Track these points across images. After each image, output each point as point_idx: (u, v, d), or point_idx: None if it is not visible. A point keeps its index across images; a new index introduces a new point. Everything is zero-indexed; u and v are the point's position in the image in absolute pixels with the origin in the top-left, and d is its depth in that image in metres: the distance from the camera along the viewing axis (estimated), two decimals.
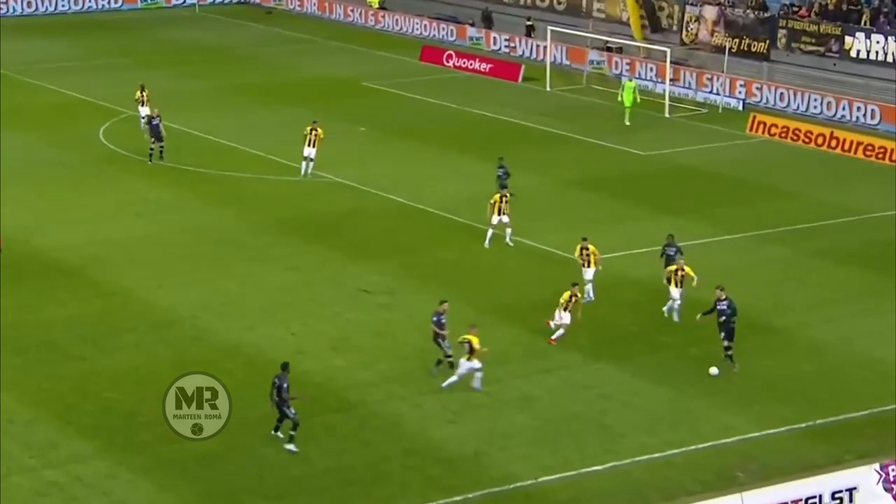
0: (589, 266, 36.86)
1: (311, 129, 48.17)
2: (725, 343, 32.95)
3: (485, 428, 30.03)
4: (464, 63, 70.62)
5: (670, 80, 62.11)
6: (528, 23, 74.57)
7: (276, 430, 29.13)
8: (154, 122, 50.12)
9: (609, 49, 69.49)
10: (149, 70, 68.44)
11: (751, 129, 57.55)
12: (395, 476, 28.01)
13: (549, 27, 68.29)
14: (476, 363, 31.44)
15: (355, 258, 40.86)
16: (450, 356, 32.11)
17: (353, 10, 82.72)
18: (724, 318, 32.91)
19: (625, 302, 37.39)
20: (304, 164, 48.46)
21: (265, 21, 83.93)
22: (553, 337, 34.15)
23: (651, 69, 65.63)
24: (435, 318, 32.39)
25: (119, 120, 57.41)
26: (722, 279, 37.10)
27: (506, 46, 73.96)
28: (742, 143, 56.27)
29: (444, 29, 77.54)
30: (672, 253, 37.30)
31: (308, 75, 68.77)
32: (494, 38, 74.76)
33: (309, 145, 48.15)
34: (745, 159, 53.50)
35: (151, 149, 50.30)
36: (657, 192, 48.40)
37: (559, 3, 76.39)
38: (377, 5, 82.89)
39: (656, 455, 28.81)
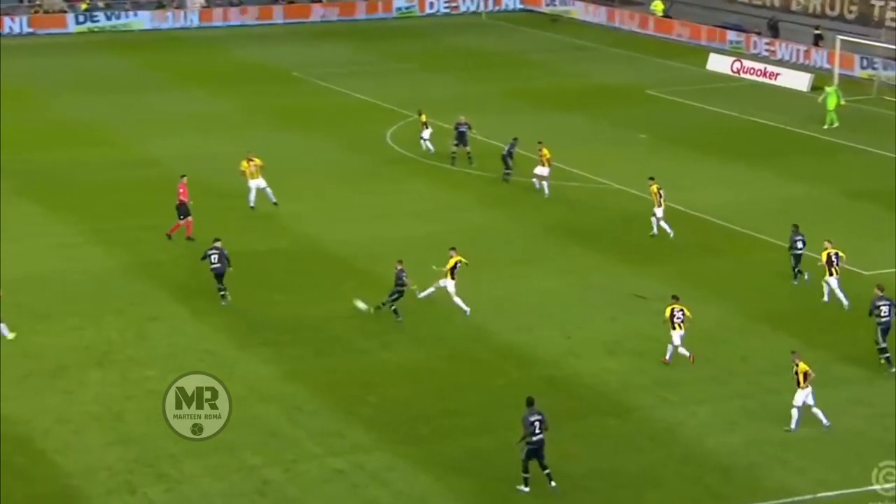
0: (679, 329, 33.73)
1: (539, 150, 47.63)
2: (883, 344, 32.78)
3: (760, 438, 29.62)
4: (750, 71, 69.61)
5: None
6: (817, 31, 72.93)
7: (550, 479, 27.63)
8: (461, 129, 51.41)
9: None
10: (432, 74, 69.97)
11: None
12: (668, 482, 27.90)
13: (838, 36, 66.59)
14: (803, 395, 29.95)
15: (630, 263, 40.80)
16: None
17: (637, 19, 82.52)
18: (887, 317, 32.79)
19: None
20: (535, 181, 47.80)
21: (550, 28, 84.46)
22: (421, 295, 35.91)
23: None
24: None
25: (406, 123, 58.76)
26: None
27: (766, 51, 72.63)
28: None
29: (703, 32, 76.78)
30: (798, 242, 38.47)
31: (591, 82, 68.91)
32: (755, 41, 73.50)
33: (541, 165, 47.57)
34: None
35: (453, 153, 51.51)
36: None
37: (850, 12, 74.43)
38: (661, 14, 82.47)
39: None
